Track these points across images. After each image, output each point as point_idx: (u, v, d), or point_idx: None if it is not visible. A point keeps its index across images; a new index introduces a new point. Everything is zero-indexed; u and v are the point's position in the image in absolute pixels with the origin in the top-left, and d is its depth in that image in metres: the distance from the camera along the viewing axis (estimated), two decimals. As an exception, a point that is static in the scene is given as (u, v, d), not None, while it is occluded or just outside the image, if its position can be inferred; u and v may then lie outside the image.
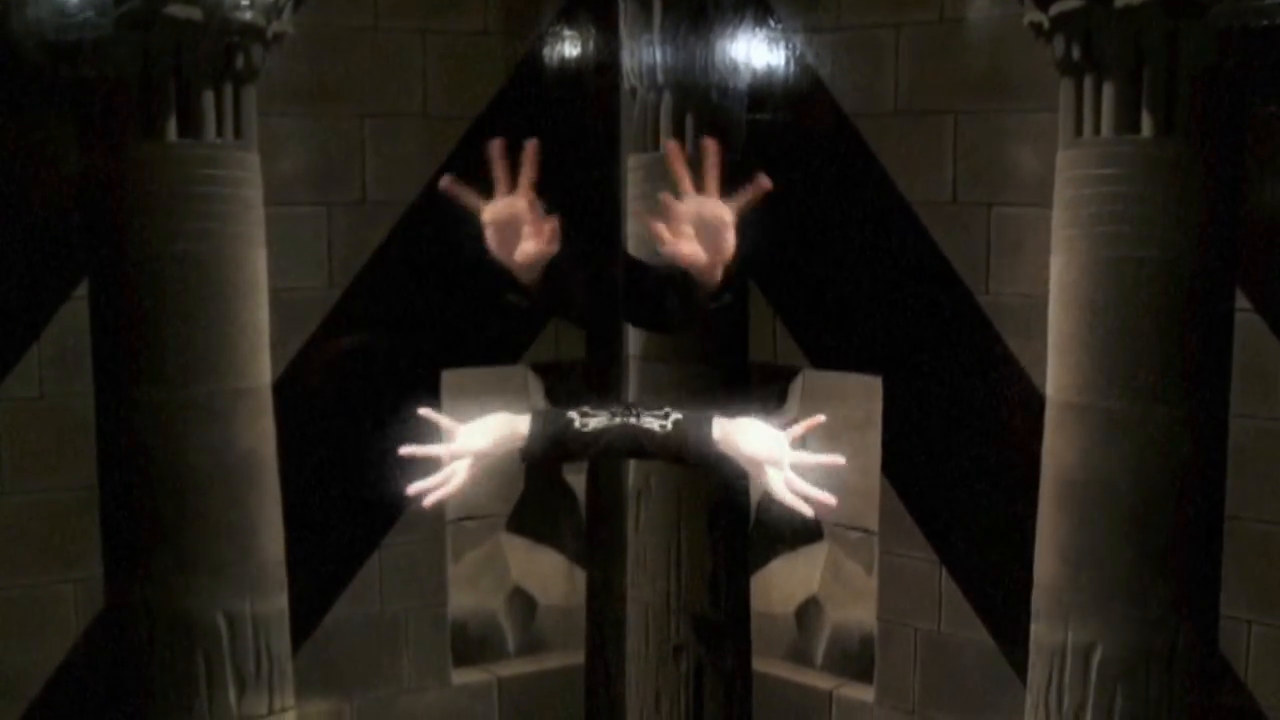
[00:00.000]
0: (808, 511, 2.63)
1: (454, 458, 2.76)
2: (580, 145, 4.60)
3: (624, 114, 4.39)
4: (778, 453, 2.63)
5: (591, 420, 2.77)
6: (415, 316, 4.52)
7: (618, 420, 2.75)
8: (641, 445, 2.74)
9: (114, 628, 3.89)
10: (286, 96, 4.13)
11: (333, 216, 4.34)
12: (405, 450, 2.76)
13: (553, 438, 2.75)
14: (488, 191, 2.88)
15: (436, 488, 2.74)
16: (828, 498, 2.61)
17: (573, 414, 2.80)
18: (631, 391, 4.35)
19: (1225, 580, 3.50)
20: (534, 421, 2.77)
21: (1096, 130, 3.41)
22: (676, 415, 2.75)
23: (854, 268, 4.28)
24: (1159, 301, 3.38)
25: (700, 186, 2.83)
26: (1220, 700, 3.55)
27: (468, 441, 2.79)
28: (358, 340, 4.42)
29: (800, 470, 2.64)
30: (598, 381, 4.65)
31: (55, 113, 3.78)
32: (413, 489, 2.74)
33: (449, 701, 4.70)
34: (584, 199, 4.63)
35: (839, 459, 2.64)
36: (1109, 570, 3.44)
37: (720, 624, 4.40)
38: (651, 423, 2.72)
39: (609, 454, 2.83)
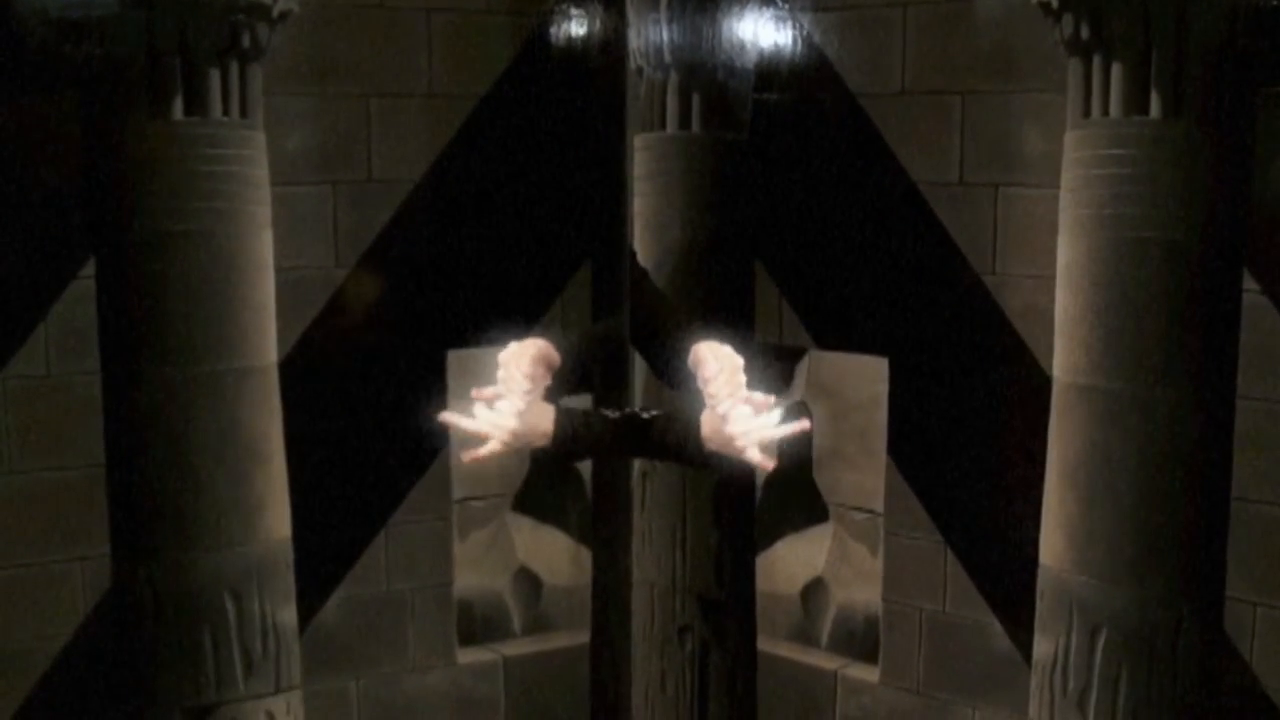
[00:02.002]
0: (798, 428, 2.71)
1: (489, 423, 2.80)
2: (586, 124, 4.59)
3: (630, 93, 4.38)
4: (740, 434, 2.70)
5: (603, 417, 2.83)
6: (421, 296, 4.52)
7: (620, 416, 2.80)
8: (640, 441, 2.81)
9: (121, 606, 3.90)
10: (292, 75, 4.12)
11: (339, 196, 4.34)
12: (444, 417, 2.80)
13: (572, 436, 2.81)
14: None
15: (471, 436, 2.78)
16: (801, 425, 2.70)
17: (588, 410, 2.86)
18: (636, 374, 4.35)
19: (1231, 563, 3.50)
20: (559, 417, 2.81)
21: (1105, 111, 3.40)
22: (662, 411, 2.82)
23: (860, 249, 4.27)
24: (1166, 283, 3.37)
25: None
26: (1225, 682, 3.55)
27: (502, 418, 2.82)
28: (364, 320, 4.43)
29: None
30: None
31: (61, 92, 3.77)
32: (446, 416, 2.77)
33: (454, 680, 4.72)
34: (589, 178, 4.63)
35: (805, 424, 2.74)
36: (1114, 553, 3.44)
37: (725, 604, 4.40)
38: (646, 417, 2.78)
39: (613, 452, 2.89)
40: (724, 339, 2.86)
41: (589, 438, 2.85)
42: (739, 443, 2.76)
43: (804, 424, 2.76)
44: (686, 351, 2.92)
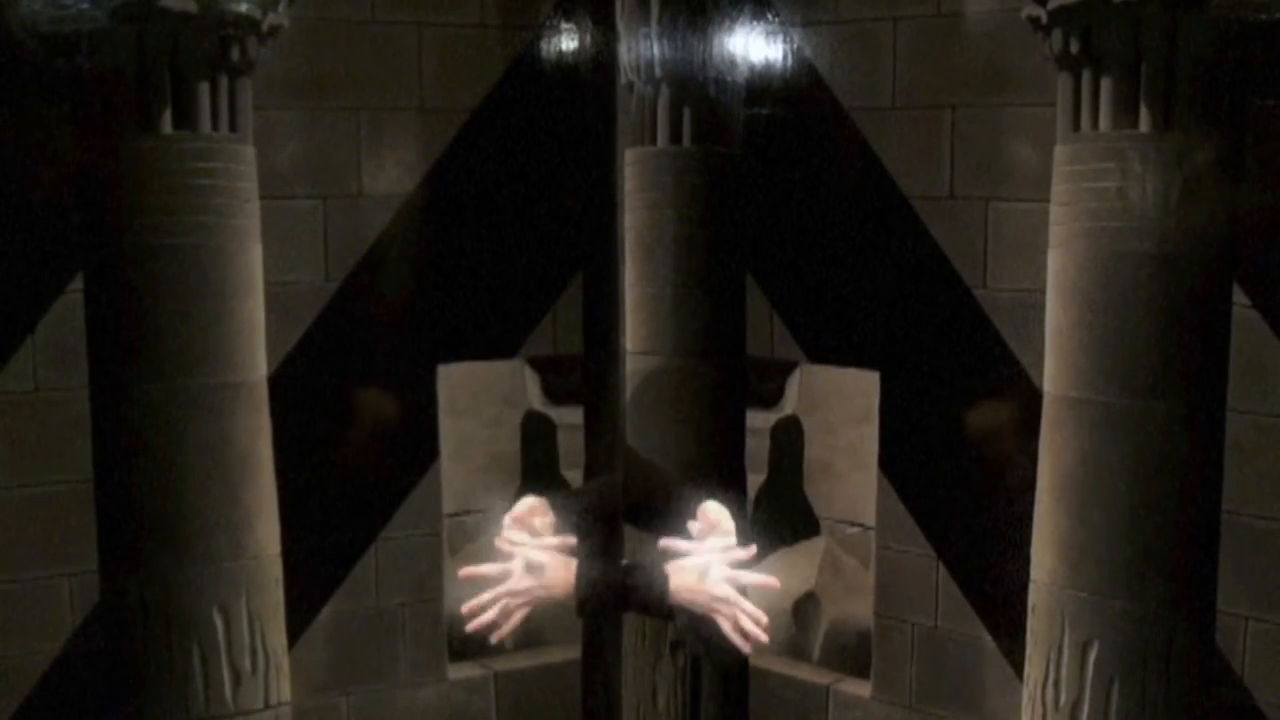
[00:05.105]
0: (745, 648, 2.77)
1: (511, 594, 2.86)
2: (577, 139, 4.60)
3: (621, 108, 4.39)
4: (718, 592, 2.75)
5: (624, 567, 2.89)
6: (412, 310, 4.51)
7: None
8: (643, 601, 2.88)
9: (109, 622, 3.88)
10: (282, 89, 4.12)
11: (329, 210, 4.34)
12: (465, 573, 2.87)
13: (590, 585, 2.85)
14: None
15: (491, 622, 2.84)
16: (761, 636, 2.75)
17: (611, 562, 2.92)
18: (628, 387, 4.34)
19: (1222, 577, 3.50)
20: (581, 569, 2.85)
21: (1095, 125, 3.41)
22: (628, 561, 2.90)
23: (851, 262, 4.27)
24: (1157, 297, 3.38)
25: None
26: (1217, 697, 3.55)
27: (522, 581, 2.87)
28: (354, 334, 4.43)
29: (740, 588, 2.78)
30: (595, 377, 4.65)
31: (51, 106, 3.77)
32: (472, 626, 2.86)
33: (445, 696, 4.70)
34: (580, 193, 4.63)
35: (774, 582, 2.80)
36: (1106, 566, 3.44)
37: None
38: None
39: (617, 602, 2.95)
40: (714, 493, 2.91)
41: (615, 587, 2.88)
42: (713, 603, 2.81)
43: (761, 625, 2.83)
44: (677, 506, 2.96)
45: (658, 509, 3.08)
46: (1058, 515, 3.53)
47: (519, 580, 2.85)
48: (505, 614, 2.87)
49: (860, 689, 4.46)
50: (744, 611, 2.79)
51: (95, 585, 3.91)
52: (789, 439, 4.79)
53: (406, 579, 4.56)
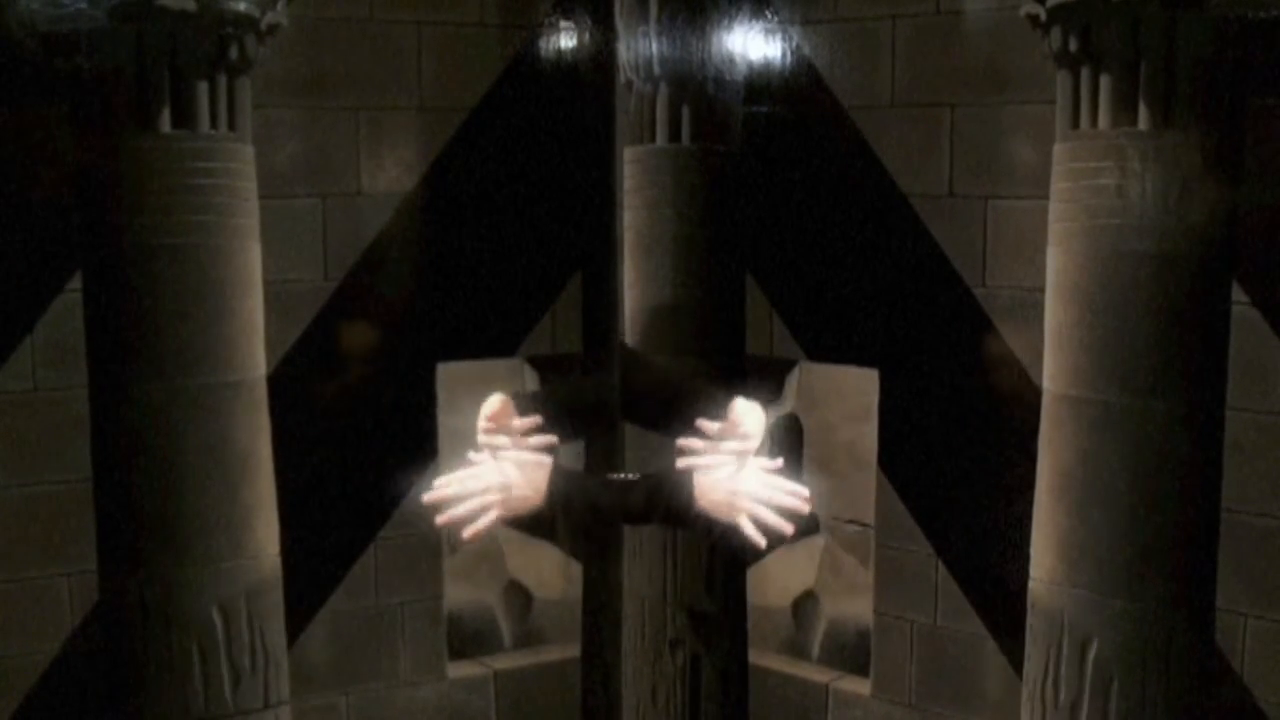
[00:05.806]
0: (787, 528, 2.67)
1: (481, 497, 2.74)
2: (576, 137, 4.60)
3: (620, 106, 4.38)
4: (739, 495, 2.66)
5: (603, 481, 2.76)
6: (411, 309, 4.51)
7: (620, 481, 2.75)
8: (628, 505, 2.76)
9: (109, 621, 3.88)
10: (281, 88, 4.12)
11: (328, 209, 4.34)
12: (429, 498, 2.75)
13: (565, 495, 2.72)
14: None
15: (464, 518, 2.72)
16: (787, 529, 2.66)
17: (587, 473, 2.79)
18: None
19: (1222, 575, 3.50)
20: (554, 476, 2.72)
21: (1094, 122, 3.40)
22: (649, 473, 2.79)
23: (850, 261, 4.27)
24: (1156, 295, 3.37)
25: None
26: (1216, 695, 3.55)
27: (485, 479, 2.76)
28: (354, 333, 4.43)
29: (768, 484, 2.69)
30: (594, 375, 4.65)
31: (50, 105, 3.76)
32: (442, 519, 2.73)
33: (445, 695, 4.70)
34: (579, 191, 4.63)
35: (804, 495, 2.70)
36: (1106, 565, 3.44)
37: (716, 617, 4.39)
38: (633, 479, 2.75)
39: (607, 518, 2.82)
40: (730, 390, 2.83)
41: (585, 500, 2.76)
42: (739, 503, 2.71)
43: (788, 527, 2.73)
44: (698, 399, 2.87)
45: (671, 407, 2.97)
46: (1057, 513, 3.53)
47: (492, 479, 2.72)
48: (478, 511, 2.73)
49: (860, 687, 4.46)
50: (777, 500, 2.67)
51: (95, 585, 3.91)
52: (788, 437, 4.79)
53: (406, 579, 4.56)
